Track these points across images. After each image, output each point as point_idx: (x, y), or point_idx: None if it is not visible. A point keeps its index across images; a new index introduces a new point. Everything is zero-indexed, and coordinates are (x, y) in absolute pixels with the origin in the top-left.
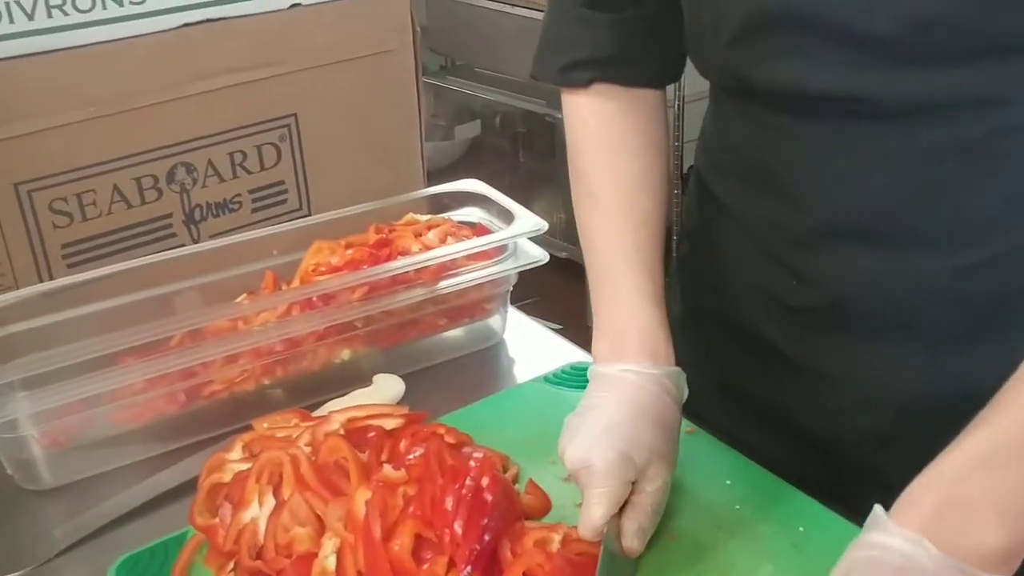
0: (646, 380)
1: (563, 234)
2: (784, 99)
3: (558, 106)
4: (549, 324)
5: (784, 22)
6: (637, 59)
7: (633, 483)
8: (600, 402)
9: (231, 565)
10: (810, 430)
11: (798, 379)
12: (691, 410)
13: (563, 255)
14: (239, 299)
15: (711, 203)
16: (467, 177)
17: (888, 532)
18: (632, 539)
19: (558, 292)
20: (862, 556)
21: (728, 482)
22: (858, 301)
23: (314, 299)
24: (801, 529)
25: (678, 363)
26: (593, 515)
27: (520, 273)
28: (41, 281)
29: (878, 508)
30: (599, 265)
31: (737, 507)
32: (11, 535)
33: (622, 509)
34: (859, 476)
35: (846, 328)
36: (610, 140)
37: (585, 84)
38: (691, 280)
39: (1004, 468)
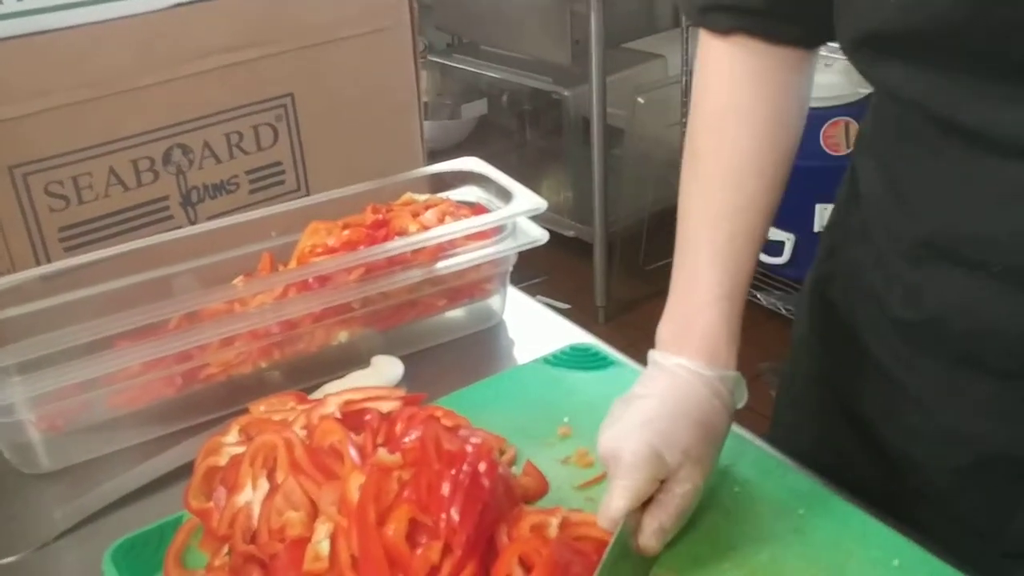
0: (698, 380)
1: (571, 212)
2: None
3: (565, 84)
4: (556, 303)
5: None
6: (786, 13)
7: (662, 482)
8: (645, 392)
9: (226, 549)
10: (888, 443)
11: (891, 393)
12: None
13: (570, 234)
14: (235, 281)
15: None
16: (474, 156)
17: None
18: (650, 537)
19: (566, 271)
20: None
21: (727, 463)
22: (958, 327)
23: (311, 280)
24: (801, 512)
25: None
26: (613, 507)
27: (526, 252)
28: (38, 265)
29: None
30: (685, 245)
31: (736, 489)
32: (10, 518)
33: (645, 505)
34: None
35: (942, 355)
36: (735, 106)
37: (724, 31)
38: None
39: None
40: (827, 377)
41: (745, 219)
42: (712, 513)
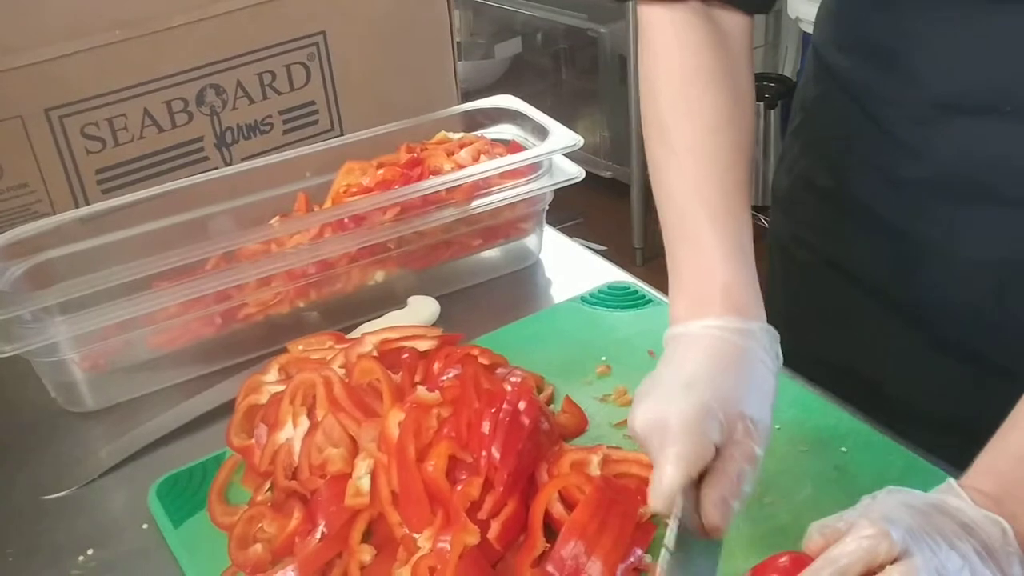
0: (733, 335)
1: (607, 153)
2: None
3: (601, 20)
4: (592, 245)
5: None
6: None
7: (717, 448)
8: (677, 359)
9: (267, 485)
10: (906, 304)
11: (899, 249)
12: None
13: (607, 175)
14: (271, 221)
15: (827, 78)
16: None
17: (947, 494)
18: (713, 511)
19: (602, 213)
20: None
21: None
22: (970, 172)
23: (346, 220)
24: (844, 450)
25: (778, 236)
26: (666, 479)
27: (563, 193)
28: (77, 207)
29: (951, 481)
30: (677, 217)
31: (778, 427)
32: (57, 456)
33: (701, 477)
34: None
35: (953, 199)
36: (697, 69)
37: None
38: (800, 152)
39: None
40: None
41: (733, 178)
42: None
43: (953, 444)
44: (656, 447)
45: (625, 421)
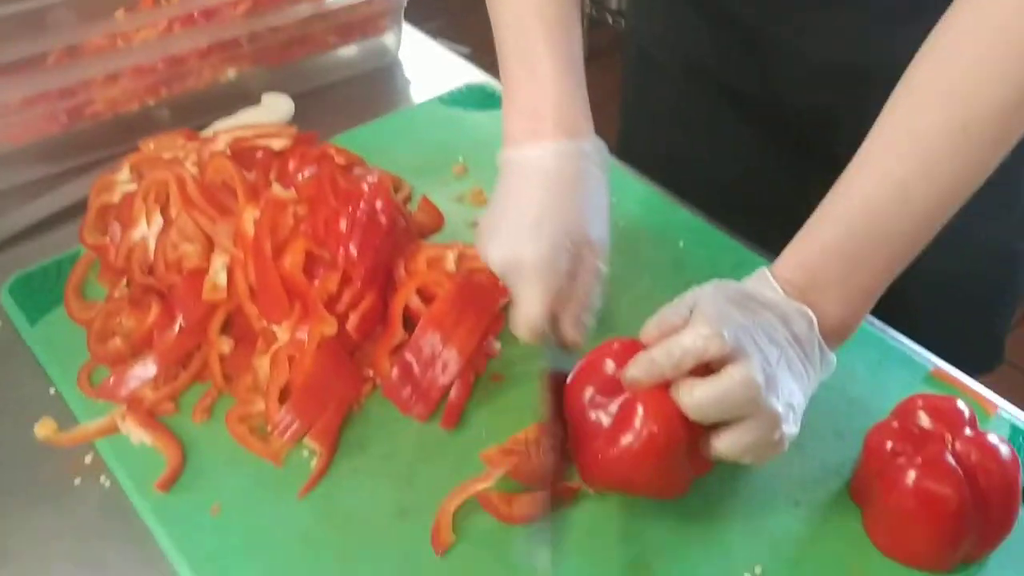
0: (567, 160)
1: None
2: None
3: None
4: (455, 47)
5: None
6: None
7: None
8: (517, 191)
9: (124, 282)
10: (758, 103)
11: (752, 49)
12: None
13: None
14: (116, 14)
15: None
16: None
17: (763, 286)
18: (571, 331)
19: (468, 13)
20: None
21: (613, 200)
22: None
23: (195, 14)
24: (681, 244)
25: (634, 38)
26: (530, 315)
27: None
28: None
29: (764, 270)
30: (511, 38)
31: (621, 223)
32: None
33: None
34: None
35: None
36: None
37: None
38: None
39: (852, 259)
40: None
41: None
42: None
43: (789, 237)
44: (515, 283)
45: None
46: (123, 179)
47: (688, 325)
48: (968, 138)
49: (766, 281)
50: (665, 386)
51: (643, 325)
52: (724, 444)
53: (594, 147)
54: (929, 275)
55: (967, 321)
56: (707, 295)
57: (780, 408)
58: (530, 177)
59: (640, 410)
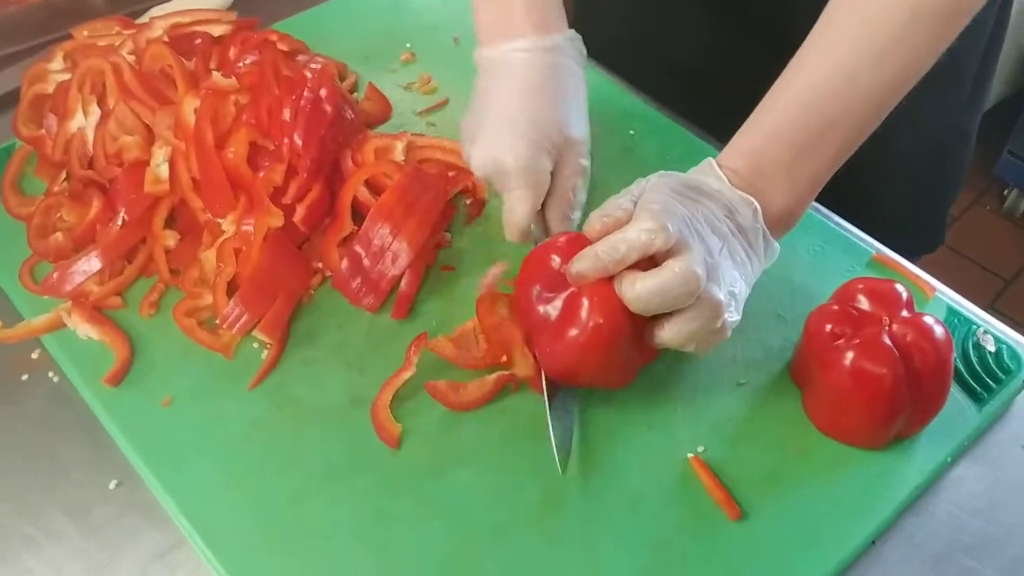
0: (540, 56)
1: None
2: None
3: None
4: None
5: None
6: None
7: (551, 172)
8: (495, 92)
9: (63, 175)
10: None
11: None
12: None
13: None
14: None
15: None
16: None
17: (709, 176)
18: (559, 227)
19: None
20: (678, 175)
21: None
22: None
23: None
24: (632, 132)
25: None
26: (517, 217)
27: None
28: None
29: (711, 160)
30: None
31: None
32: None
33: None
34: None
35: None
36: None
37: None
38: None
39: (798, 147)
40: None
41: None
42: None
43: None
44: (499, 187)
45: (429, 109)
46: (56, 68)
47: (633, 219)
48: (917, 24)
49: (712, 171)
50: (610, 279)
51: (588, 218)
52: (668, 333)
53: (569, 41)
54: (878, 155)
55: (914, 200)
56: (651, 188)
57: (722, 297)
58: (505, 77)
59: (585, 303)
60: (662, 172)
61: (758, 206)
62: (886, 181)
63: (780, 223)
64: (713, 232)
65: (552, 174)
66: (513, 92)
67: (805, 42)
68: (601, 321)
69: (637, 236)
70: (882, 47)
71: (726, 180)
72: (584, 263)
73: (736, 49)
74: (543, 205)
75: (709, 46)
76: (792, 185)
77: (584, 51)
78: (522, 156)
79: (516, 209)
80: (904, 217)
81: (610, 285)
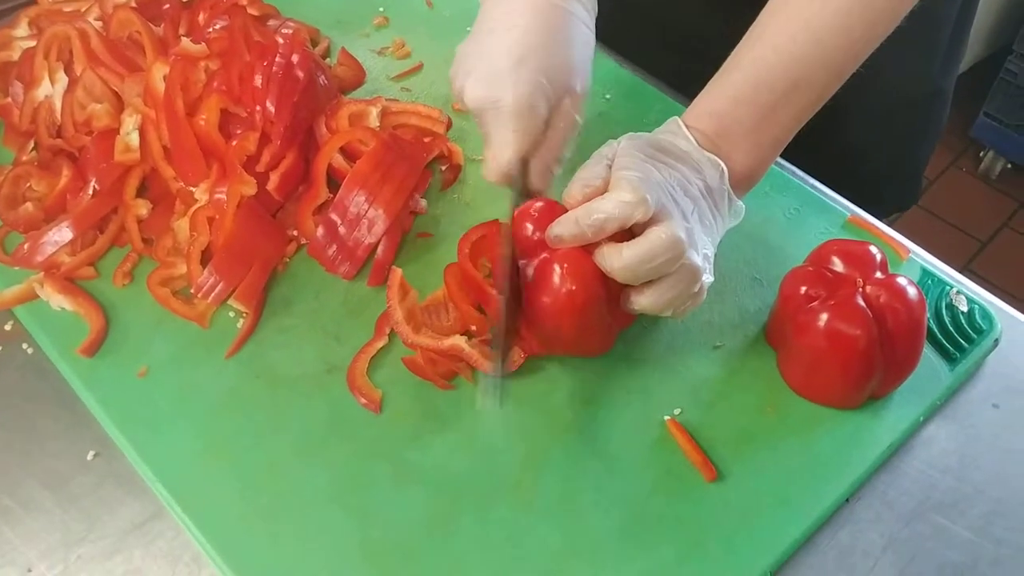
0: (563, 3)
1: None
2: None
3: None
4: None
5: None
6: None
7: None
8: (502, 25)
9: (31, 144)
10: None
11: None
12: None
13: None
14: None
15: None
16: None
17: (677, 136)
18: (539, 179)
19: None
20: (647, 137)
21: None
22: None
23: None
24: (607, 97)
25: None
26: (504, 158)
27: None
28: None
29: (677, 120)
30: None
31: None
32: None
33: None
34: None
35: None
36: None
37: None
38: None
39: (763, 108)
40: None
41: None
42: None
43: None
44: (490, 124)
45: (403, 73)
46: (21, 34)
47: (611, 189)
48: None
49: (680, 131)
50: (584, 248)
51: (566, 186)
52: (648, 299)
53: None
54: (856, 113)
55: (890, 157)
56: (623, 152)
57: (699, 262)
58: (516, 12)
59: (558, 270)
60: (631, 134)
61: (724, 167)
62: (863, 136)
63: (743, 183)
64: (686, 195)
65: (545, 123)
66: (521, 30)
67: (770, 3)
68: (575, 287)
69: (617, 208)
70: (849, 9)
71: (694, 141)
72: (564, 228)
73: (725, 12)
74: (529, 152)
75: (699, 11)
76: (756, 146)
77: (595, 10)
78: (522, 98)
79: (504, 151)
80: (880, 173)
81: (583, 252)
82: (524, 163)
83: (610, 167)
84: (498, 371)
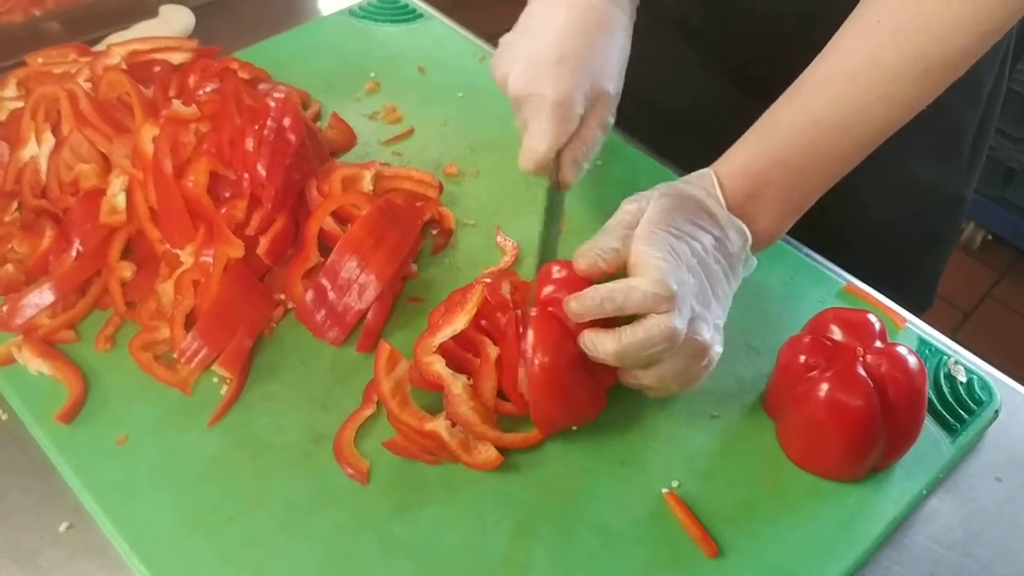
0: (602, 2)
1: None
2: None
3: None
4: None
5: None
6: None
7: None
8: (547, 22)
9: (15, 205)
10: (711, 38)
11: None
12: None
13: None
14: None
15: None
16: None
17: (708, 194)
18: (568, 172)
19: None
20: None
21: None
22: None
23: None
24: (599, 162)
25: None
26: (539, 148)
27: None
28: None
29: (712, 173)
30: None
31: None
32: None
33: None
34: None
35: None
36: None
37: None
38: None
39: (796, 170)
40: None
41: None
42: (510, 162)
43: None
44: (530, 114)
45: (395, 138)
46: (9, 95)
47: (637, 272)
48: (928, 76)
49: (712, 189)
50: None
51: (577, 248)
52: (650, 378)
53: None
54: (875, 217)
55: (906, 264)
56: (652, 226)
57: (708, 338)
58: (560, 10)
59: (530, 338)
60: (664, 189)
61: (749, 235)
62: (881, 240)
63: (761, 243)
64: (702, 267)
65: (582, 119)
66: (568, 28)
67: (809, 73)
68: (547, 360)
69: (643, 298)
70: (892, 92)
71: (723, 203)
72: (584, 307)
73: (718, 95)
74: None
75: (692, 91)
76: (783, 211)
77: (635, 13)
78: (563, 92)
79: (541, 142)
80: (898, 276)
81: (554, 319)
82: (556, 156)
83: (627, 238)
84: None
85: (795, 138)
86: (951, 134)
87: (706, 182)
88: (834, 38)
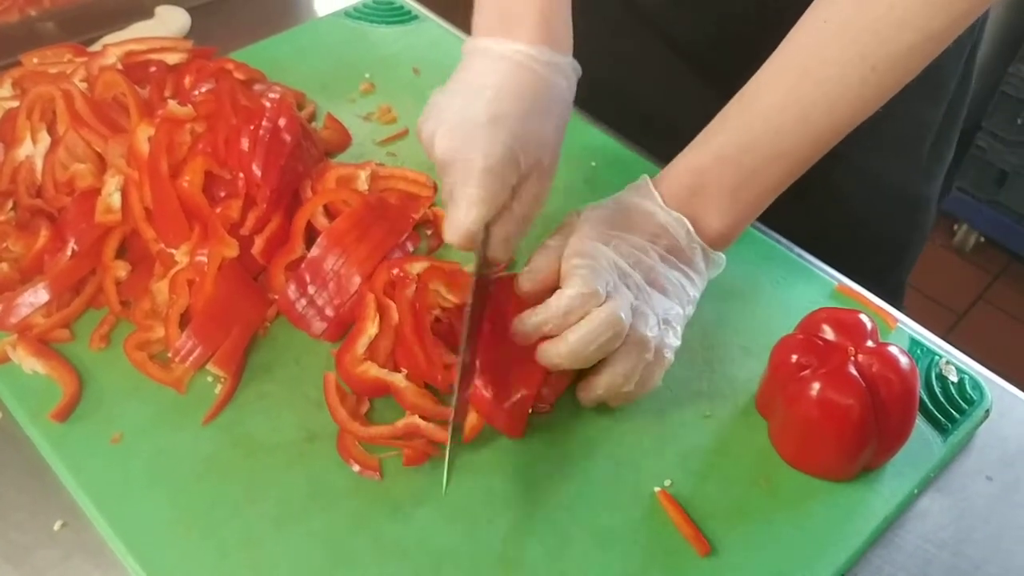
0: (542, 68)
1: None
2: None
3: None
4: None
5: None
6: None
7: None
8: (483, 82)
9: (10, 204)
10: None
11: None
12: None
13: None
14: None
15: None
16: None
17: (643, 196)
18: (500, 248)
19: None
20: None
21: None
22: None
23: None
24: (593, 164)
25: None
26: (466, 219)
27: None
28: None
29: (646, 177)
30: None
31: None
32: None
33: None
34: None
35: None
36: None
37: None
38: None
39: (746, 170)
40: None
41: None
42: None
43: None
44: (457, 181)
45: (389, 139)
46: (5, 95)
47: (563, 282)
48: (875, 75)
49: (646, 189)
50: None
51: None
52: (604, 379)
53: (571, 66)
54: (838, 219)
55: (872, 265)
56: (578, 237)
57: (649, 332)
58: (497, 69)
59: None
60: (592, 205)
61: (690, 225)
62: (846, 242)
63: (718, 240)
64: (638, 266)
65: (512, 191)
66: (504, 90)
67: (762, 72)
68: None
69: (571, 301)
70: (839, 92)
71: (659, 199)
72: (526, 328)
73: (704, 95)
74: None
75: (679, 92)
76: (734, 206)
77: (576, 83)
78: (494, 160)
79: (471, 210)
80: (864, 278)
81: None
82: (487, 229)
83: (561, 247)
84: (449, 447)
85: (738, 135)
86: (911, 131)
87: (639, 185)
88: (785, 38)
